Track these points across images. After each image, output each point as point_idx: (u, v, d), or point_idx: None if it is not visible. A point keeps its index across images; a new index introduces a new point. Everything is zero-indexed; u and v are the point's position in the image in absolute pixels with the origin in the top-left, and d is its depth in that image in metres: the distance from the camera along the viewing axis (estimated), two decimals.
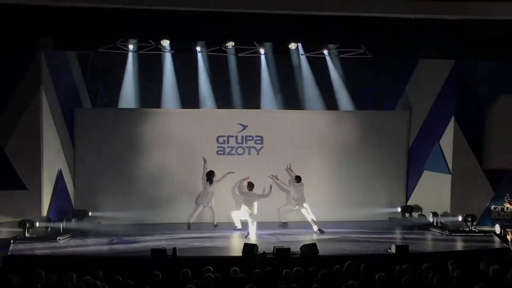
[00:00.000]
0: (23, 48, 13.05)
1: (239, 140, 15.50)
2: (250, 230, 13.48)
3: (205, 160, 14.62)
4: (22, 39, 12.74)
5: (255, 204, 13.75)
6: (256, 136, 15.55)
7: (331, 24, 12.45)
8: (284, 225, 14.71)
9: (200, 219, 14.67)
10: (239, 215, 14.08)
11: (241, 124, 15.45)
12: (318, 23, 12.45)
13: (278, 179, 14.59)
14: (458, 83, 14.46)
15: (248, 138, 15.53)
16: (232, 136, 15.45)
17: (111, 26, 12.36)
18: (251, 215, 13.63)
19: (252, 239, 13.15)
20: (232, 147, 15.45)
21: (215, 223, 14.55)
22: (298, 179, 14.44)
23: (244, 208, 13.78)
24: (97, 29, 12.54)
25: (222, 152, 15.35)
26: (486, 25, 12.30)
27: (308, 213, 14.18)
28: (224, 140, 15.42)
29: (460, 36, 12.84)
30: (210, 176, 14.37)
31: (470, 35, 12.76)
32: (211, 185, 14.34)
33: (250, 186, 13.94)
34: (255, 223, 13.60)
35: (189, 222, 14.27)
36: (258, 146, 15.56)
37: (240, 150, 15.49)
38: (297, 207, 14.31)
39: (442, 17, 12.06)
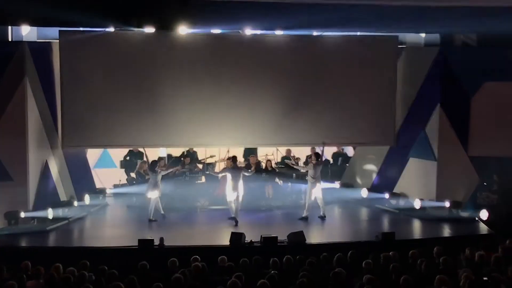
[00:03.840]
0: None
1: None
2: (235, 214, 13.28)
3: (145, 151, 14.26)
4: None
5: (241, 181, 13.32)
6: None
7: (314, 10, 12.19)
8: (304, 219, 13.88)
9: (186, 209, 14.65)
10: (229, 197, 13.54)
11: None
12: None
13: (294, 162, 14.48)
14: (443, 70, 14.54)
15: None
16: None
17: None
18: (236, 191, 13.23)
19: (238, 222, 13.06)
20: None
21: (162, 212, 13.83)
22: (317, 156, 14.12)
23: (230, 185, 13.34)
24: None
25: None
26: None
27: (320, 195, 13.90)
28: None
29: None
30: (153, 165, 13.73)
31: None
32: (154, 174, 13.60)
33: (233, 159, 13.51)
34: (239, 202, 13.32)
35: (150, 219, 13.50)
36: None
37: None
38: (313, 185, 13.82)
39: (439, 4, 11.67)
